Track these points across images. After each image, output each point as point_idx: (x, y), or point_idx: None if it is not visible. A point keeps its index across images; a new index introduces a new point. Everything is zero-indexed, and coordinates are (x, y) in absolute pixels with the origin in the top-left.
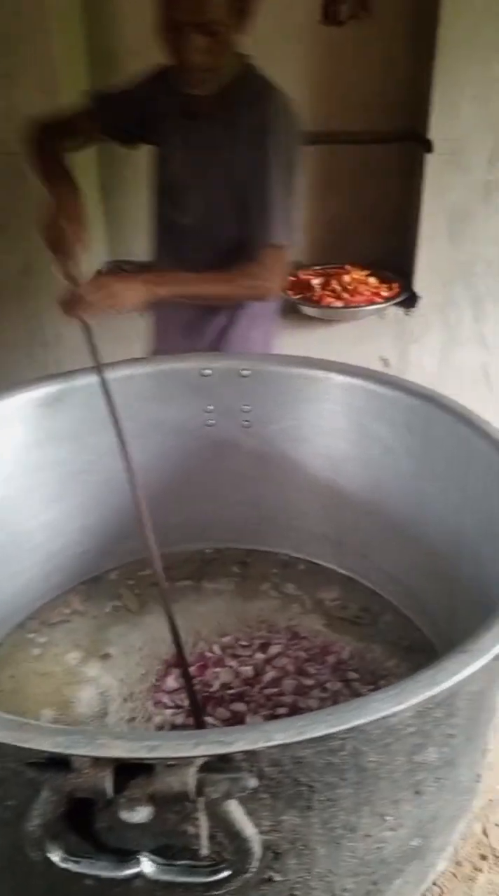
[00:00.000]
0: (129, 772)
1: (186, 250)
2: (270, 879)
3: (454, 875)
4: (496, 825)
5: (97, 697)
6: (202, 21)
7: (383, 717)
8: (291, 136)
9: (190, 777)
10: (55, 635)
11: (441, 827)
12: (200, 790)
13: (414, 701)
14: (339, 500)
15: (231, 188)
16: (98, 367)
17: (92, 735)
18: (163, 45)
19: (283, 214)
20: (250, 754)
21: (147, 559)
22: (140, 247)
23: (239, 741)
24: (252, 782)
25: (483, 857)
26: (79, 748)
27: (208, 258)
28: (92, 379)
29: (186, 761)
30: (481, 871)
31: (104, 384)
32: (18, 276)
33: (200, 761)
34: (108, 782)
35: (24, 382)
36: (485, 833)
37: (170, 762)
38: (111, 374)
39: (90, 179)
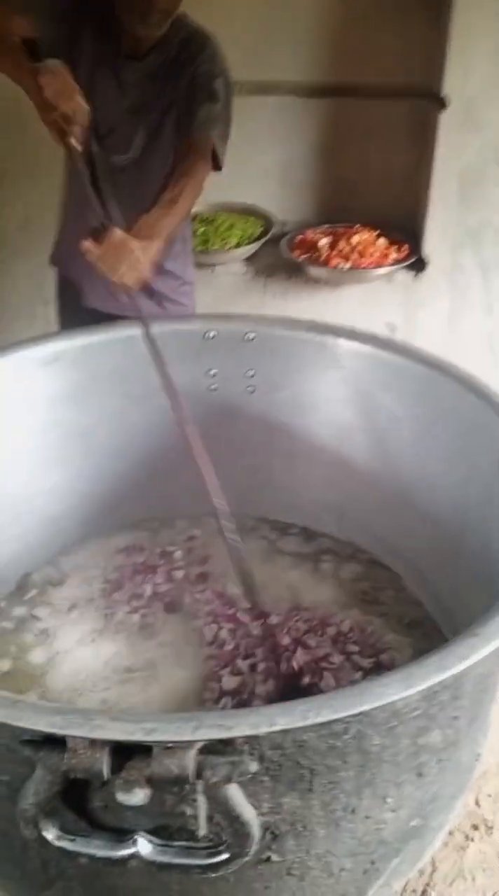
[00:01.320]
0: (126, 752)
1: (126, 192)
2: (267, 860)
3: (446, 844)
4: (488, 796)
5: None
6: None
7: (390, 703)
8: (227, 71)
9: (189, 760)
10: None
11: (441, 806)
12: (199, 773)
13: (422, 686)
14: (343, 469)
15: (172, 121)
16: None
17: (88, 715)
18: None
19: (221, 138)
20: (252, 738)
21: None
22: None
23: (240, 725)
24: (253, 766)
25: (475, 828)
26: (74, 729)
27: (144, 192)
28: (91, 338)
29: (186, 744)
30: (472, 840)
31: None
32: (17, 232)
33: (199, 744)
34: (104, 764)
35: (21, 341)
36: (477, 803)
37: (168, 745)
38: (110, 335)
39: None
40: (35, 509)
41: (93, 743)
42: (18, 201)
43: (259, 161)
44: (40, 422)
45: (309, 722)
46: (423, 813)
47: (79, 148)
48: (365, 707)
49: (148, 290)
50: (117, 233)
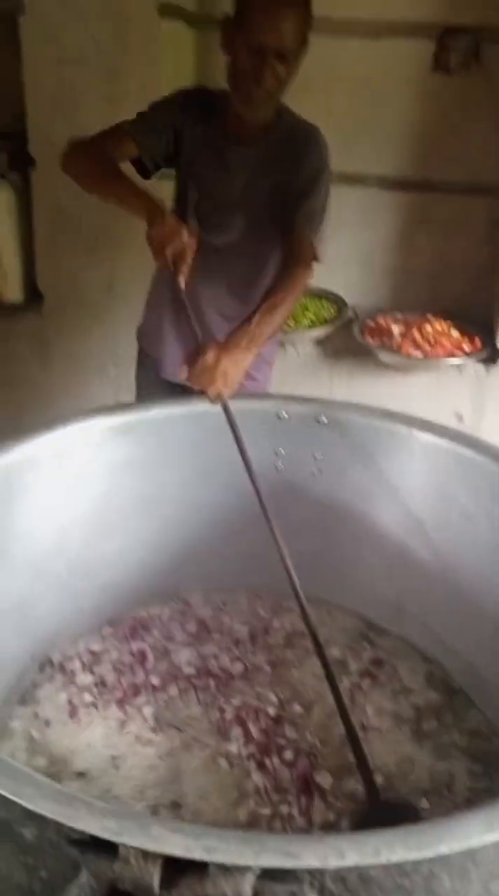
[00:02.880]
0: (178, 865)
1: (217, 271)
2: None
3: None
4: None
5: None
6: (283, 46)
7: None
8: (329, 165)
9: (246, 885)
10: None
11: None
12: None
13: None
14: (406, 562)
15: (275, 207)
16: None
17: (145, 824)
18: (235, 70)
19: (321, 230)
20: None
21: None
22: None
23: (306, 855)
24: None
25: None
26: (129, 837)
27: (238, 272)
28: (167, 411)
29: (244, 868)
30: None
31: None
32: (100, 295)
33: (258, 868)
34: (155, 878)
35: (99, 408)
36: None
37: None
38: (186, 409)
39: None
40: (91, 574)
41: (146, 853)
42: (105, 267)
43: (340, 248)
44: (105, 487)
45: (381, 860)
46: None
47: (183, 284)
48: (443, 849)
49: None
50: (210, 355)
